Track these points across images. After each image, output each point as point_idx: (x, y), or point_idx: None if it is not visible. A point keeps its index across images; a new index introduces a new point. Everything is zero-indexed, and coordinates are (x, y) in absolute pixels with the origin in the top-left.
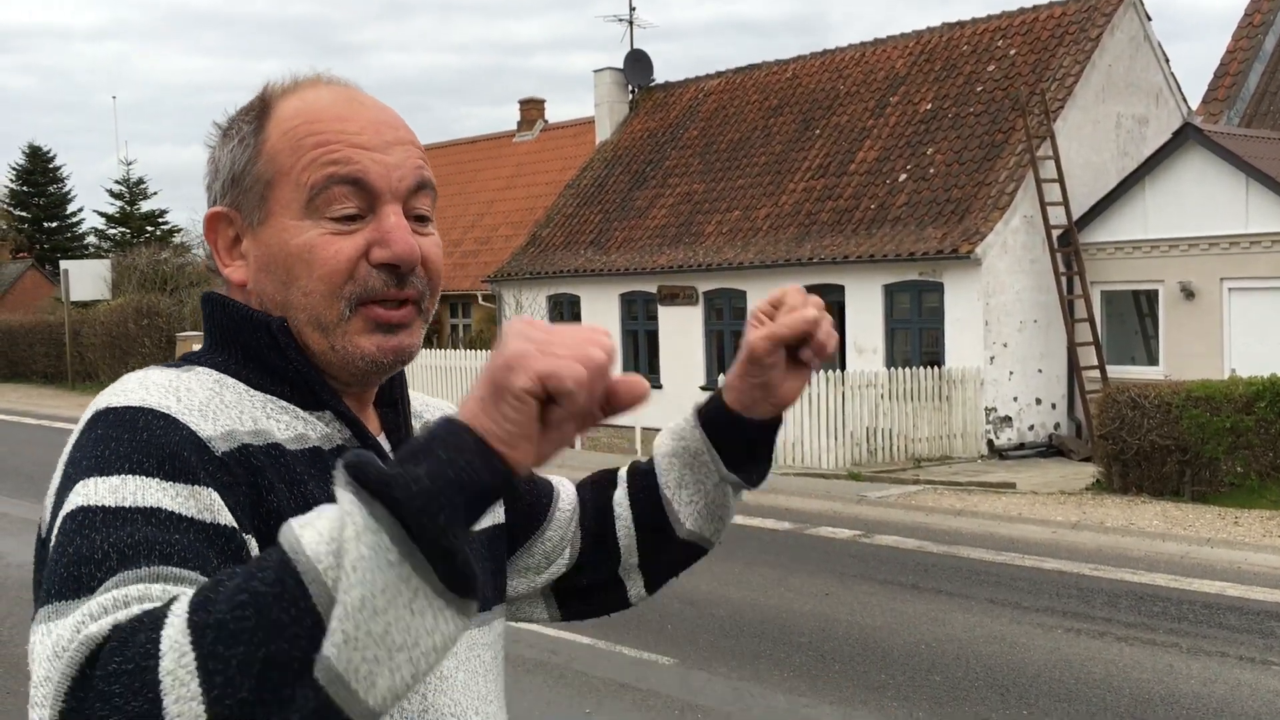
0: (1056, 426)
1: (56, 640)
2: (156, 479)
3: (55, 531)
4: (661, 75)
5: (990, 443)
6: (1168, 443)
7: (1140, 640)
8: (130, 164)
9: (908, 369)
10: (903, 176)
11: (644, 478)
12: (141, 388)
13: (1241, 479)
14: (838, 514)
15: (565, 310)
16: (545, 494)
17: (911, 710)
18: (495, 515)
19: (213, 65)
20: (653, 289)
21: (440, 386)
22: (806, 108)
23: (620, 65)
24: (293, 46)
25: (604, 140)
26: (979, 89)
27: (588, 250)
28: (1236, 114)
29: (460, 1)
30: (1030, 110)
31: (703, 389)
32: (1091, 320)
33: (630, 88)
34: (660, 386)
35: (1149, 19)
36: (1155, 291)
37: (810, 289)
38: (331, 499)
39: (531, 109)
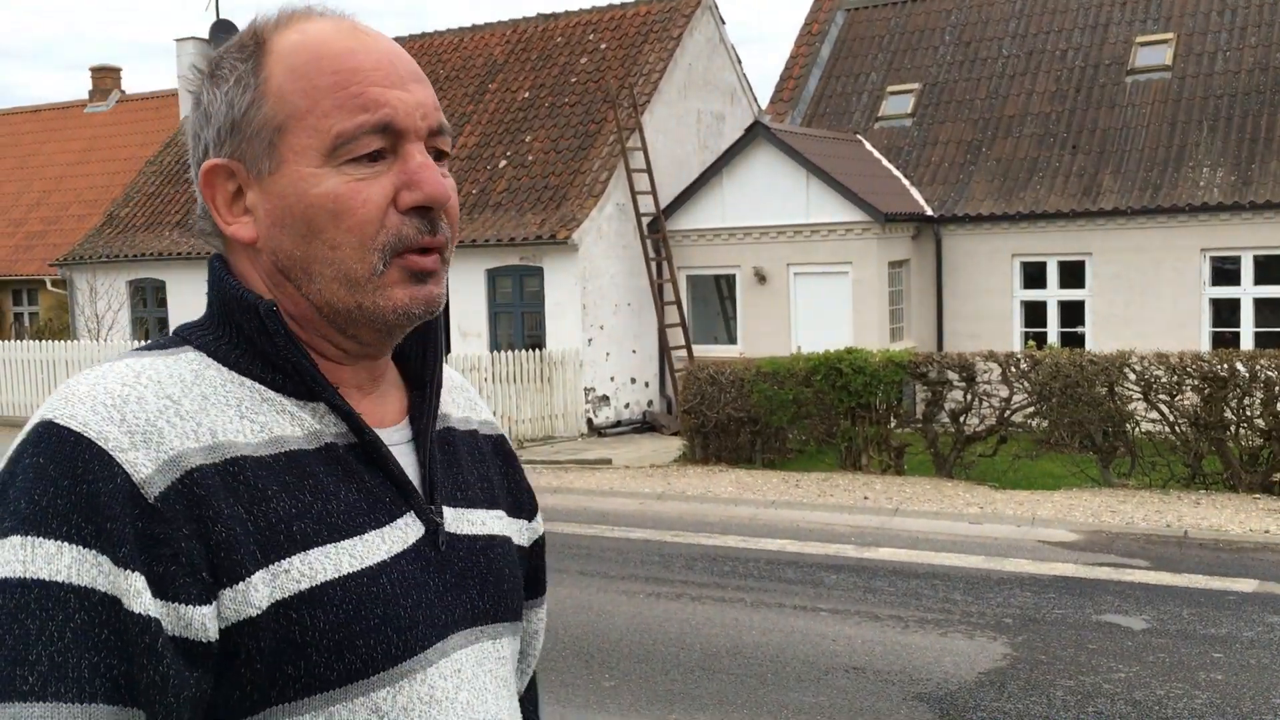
0: (650, 404)
1: None
2: (78, 547)
3: None
4: None
5: (590, 421)
6: (741, 415)
7: (711, 599)
8: None
9: (511, 352)
10: (503, 163)
11: None
12: (90, 398)
13: (803, 445)
14: None
15: (149, 296)
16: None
17: None
18: (505, 525)
19: None
20: None
21: (1, 382)
22: None
23: (205, 36)
24: None
25: (187, 115)
26: (573, 80)
27: (173, 232)
28: (799, 114)
29: None
30: (620, 103)
31: None
32: (679, 303)
33: None
34: None
35: (723, 23)
36: (734, 276)
37: None
38: (304, 507)
39: (105, 77)
